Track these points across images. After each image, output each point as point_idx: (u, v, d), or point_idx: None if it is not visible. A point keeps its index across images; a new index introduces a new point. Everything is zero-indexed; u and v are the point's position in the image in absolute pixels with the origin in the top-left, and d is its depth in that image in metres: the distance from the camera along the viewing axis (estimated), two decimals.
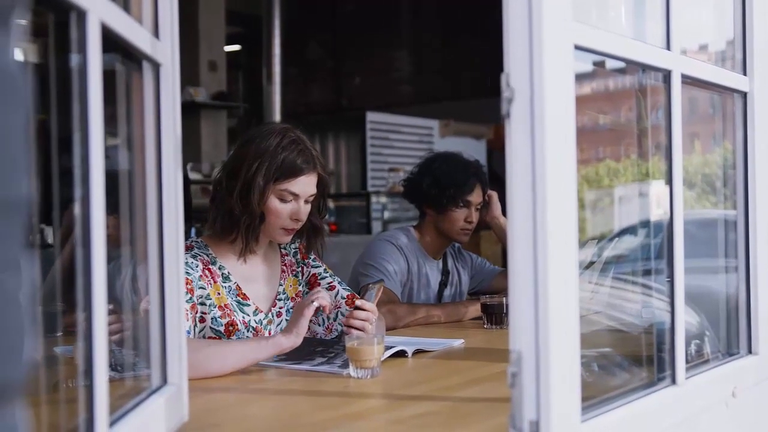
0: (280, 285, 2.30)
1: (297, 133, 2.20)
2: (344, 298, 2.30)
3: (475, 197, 2.97)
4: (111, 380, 1.05)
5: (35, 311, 0.60)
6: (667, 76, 1.50)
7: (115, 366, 1.30)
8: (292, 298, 2.31)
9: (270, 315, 2.25)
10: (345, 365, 1.89)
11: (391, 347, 2.05)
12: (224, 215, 2.16)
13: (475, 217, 2.98)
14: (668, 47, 1.50)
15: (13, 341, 0.56)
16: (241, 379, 1.84)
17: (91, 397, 1.00)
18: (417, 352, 2.14)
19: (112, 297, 1.08)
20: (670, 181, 1.51)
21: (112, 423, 1.08)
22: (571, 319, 1.20)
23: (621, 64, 1.55)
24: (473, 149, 7.19)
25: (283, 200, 2.15)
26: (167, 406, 1.31)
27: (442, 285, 3.10)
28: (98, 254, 1.00)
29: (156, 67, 1.33)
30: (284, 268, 2.33)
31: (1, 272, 0.56)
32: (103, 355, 1.02)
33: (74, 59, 1.01)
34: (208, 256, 2.19)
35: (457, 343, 2.32)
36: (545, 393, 1.15)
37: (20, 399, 0.58)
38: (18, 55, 0.61)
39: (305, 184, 2.17)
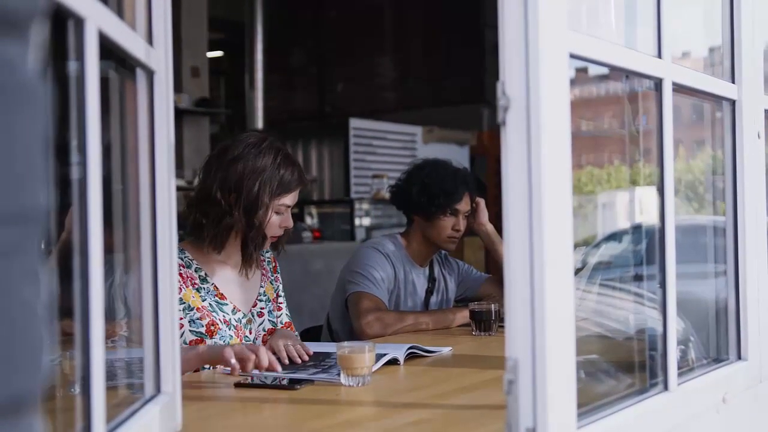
0: (261, 287, 2.38)
1: (283, 147, 2.31)
2: (282, 324, 2.39)
3: (464, 206, 2.97)
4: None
5: (52, 322, 0.60)
6: (658, 84, 1.51)
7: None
8: (272, 300, 2.40)
9: (250, 315, 2.31)
10: (335, 375, 1.88)
11: (384, 355, 2.05)
12: (224, 231, 2.21)
13: (462, 225, 2.98)
14: (659, 55, 1.51)
15: (32, 352, 0.56)
16: (234, 388, 1.83)
17: (88, 406, 0.99)
18: (409, 356, 2.14)
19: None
20: (661, 188, 1.52)
21: None
22: (568, 326, 1.20)
23: (604, 71, 1.56)
24: (456, 156, 7.19)
25: (278, 213, 2.26)
26: (161, 415, 1.30)
27: (429, 292, 3.10)
28: (95, 262, 1.00)
29: (150, 74, 1.32)
30: (264, 271, 2.42)
31: (20, 283, 0.55)
32: (101, 365, 1.01)
33: (71, 66, 1.00)
34: (182, 259, 2.23)
35: (446, 350, 2.32)
36: (542, 400, 1.15)
37: (38, 409, 0.57)
38: (36, 64, 0.61)
39: (296, 195, 2.30)
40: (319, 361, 2.10)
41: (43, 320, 0.58)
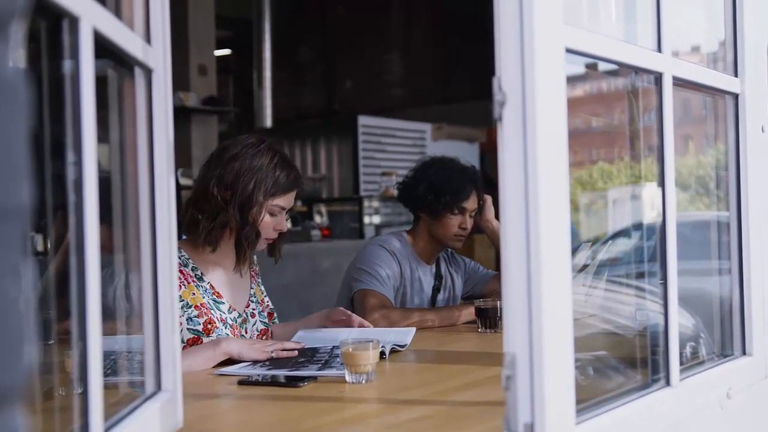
0: (251, 288, 2.43)
1: (281, 150, 2.33)
2: (258, 331, 2.40)
3: (471, 204, 2.97)
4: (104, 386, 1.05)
5: (34, 317, 0.61)
6: (658, 78, 1.50)
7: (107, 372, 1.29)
8: (260, 302, 2.44)
9: (245, 314, 2.36)
10: (342, 368, 1.88)
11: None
12: (218, 227, 2.24)
13: (469, 223, 2.97)
14: (659, 49, 1.50)
15: (14, 347, 0.56)
16: (235, 385, 1.84)
17: (86, 404, 0.99)
18: (393, 351, 2.17)
19: (105, 304, 1.07)
20: (662, 183, 1.51)
21: (107, 429, 1.08)
22: (565, 321, 1.20)
23: (613, 66, 1.56)
24: (466, 153, 7.19)
25: (272, 214, 2.28)
26: (162, 413, 1.31)
27: (436, 290, 3.10)
28: (92, 261, 1.00)
29: (148, 72, 1.33)
30: (253, 274, 2.46)
31: (2, 278, 0.56)
32: (98, 362, 1.01)
33: (66, 65, 1.01)
34: (180, 258, 2.24)
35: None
36: (539, 395, 1.15)
37: (20, 404, 0.58)
38: (17, 62, 0.62)
39: (292, 198, 2.33)
40: (310, 357, 2.09)
41: (26, 315, 0.58)
